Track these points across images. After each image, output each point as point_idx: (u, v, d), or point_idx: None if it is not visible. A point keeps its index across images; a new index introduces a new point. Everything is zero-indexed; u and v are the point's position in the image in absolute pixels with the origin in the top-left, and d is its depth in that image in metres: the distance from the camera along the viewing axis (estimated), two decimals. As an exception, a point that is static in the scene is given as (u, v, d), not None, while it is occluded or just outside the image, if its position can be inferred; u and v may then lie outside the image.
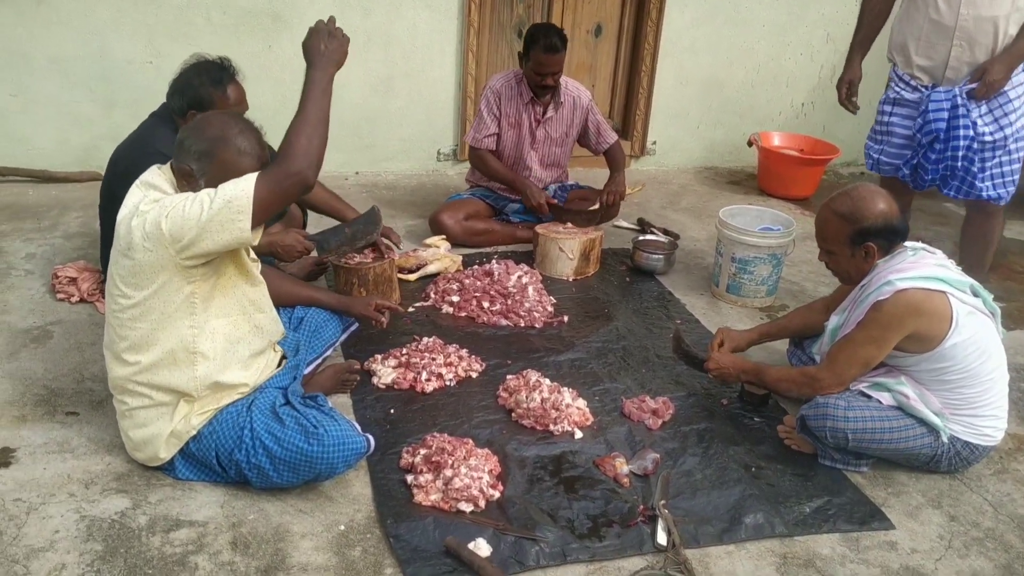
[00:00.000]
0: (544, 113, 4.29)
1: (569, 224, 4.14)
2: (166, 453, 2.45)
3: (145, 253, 2.24)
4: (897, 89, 3.76)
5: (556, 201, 4.30)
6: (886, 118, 3.82)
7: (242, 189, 2.21)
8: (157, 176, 2.37)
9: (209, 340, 2.40)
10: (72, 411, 2.78)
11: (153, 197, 2.28)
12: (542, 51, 4.02)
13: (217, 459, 2.43)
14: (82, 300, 3.45)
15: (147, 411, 2.43)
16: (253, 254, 2.57)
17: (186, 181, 2.33)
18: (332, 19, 2.50)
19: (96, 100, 4.73)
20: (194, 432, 2.44)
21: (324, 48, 2.45)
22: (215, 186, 2.25)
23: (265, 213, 2.25)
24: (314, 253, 3.47)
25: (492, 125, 4.28)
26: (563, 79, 4.27)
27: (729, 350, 3.09)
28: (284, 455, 2.36)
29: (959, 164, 3.61)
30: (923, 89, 3.65)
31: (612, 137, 4.44)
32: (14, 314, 3.35)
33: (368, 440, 2.47)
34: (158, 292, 2.30)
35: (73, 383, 2.93)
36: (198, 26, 4.64)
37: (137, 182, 2.38)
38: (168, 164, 2.40)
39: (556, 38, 4.02)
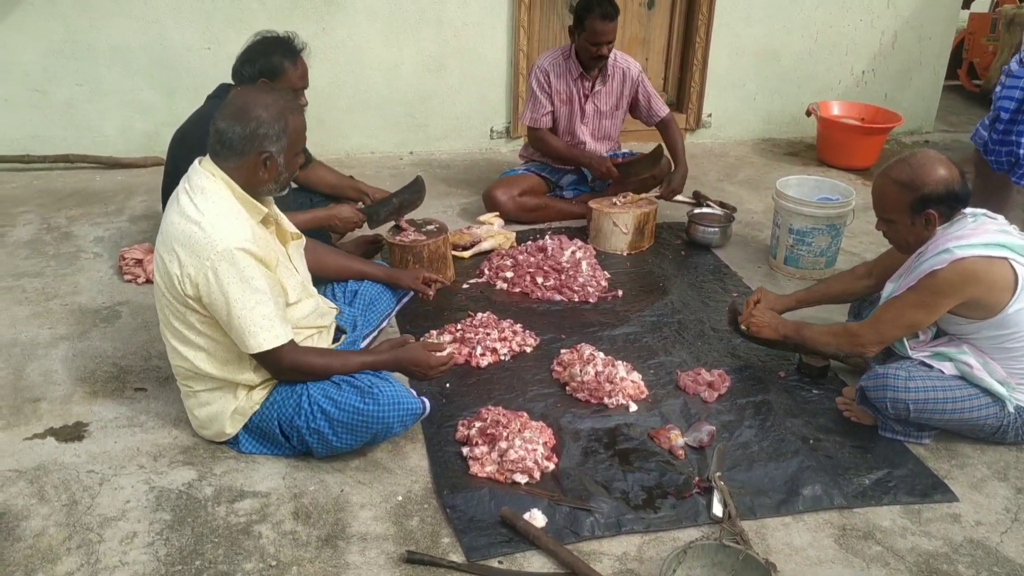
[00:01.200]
0: (592, 87, 4.26)
1: (627, 195, 4.11)
2: (232, 429, 2.53)
3: (189, 295, 2.35)
4: (1016, 57, 3.52)
5: (620, 160, 4.30)
6: (997, 88, 3.56)
7: (275, 338, 2.36)
8: (205, 178, 2.36)
9: None
10: (140, 387, 2.88)
11: (197, 240, 2.28)
12: (599, 18, 3.98)
13: (280, 428, 2.50)
14: (148, 281, 3.55)
15: (210, 393, 2.51)
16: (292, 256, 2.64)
17: (265, 166, 2.36)
18: (447, 365, 2.68)
19: (157, 87, 4.84)
20: (257, 407, 2.51)
21: (412, 366, 2.63)
22: (290, 158, 2.40)
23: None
24: (366, 226, 3.59)
25: (547, 103, 4.27)
26: (614, 51, 4.23)
27: (765, 308, 3.04)
28: (341, 416, 2.42)
29: (1023, 151, 3.40)
30: None
31: (664, 110, 4.40)
32: (84, 295, 3.47)
33: (423, 403, 2.52)
34: (196, 307, 2.37)
35: (141, 360, 3.03)
36: (253, 11, 4.72)
37: (185, 184, 2.39)
38: (206, 159, 2.39)
39: (610, 5, 3.99)
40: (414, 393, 2.54)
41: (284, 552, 2.22)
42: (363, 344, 2.91)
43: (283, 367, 2.43)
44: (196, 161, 2.42)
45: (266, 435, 2.54)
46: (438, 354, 2.66)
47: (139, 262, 3.59)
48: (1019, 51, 3.48)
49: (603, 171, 4.22)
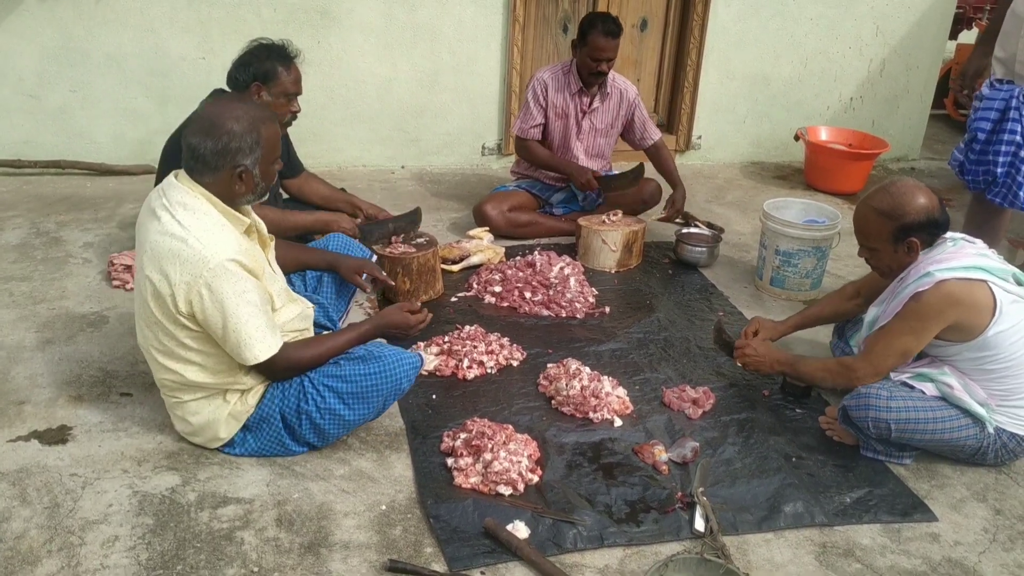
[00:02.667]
0: (591, 104, 4.30)
1: (617, 214, 4.14)
2: (226, 433, 2.53)
3: (182, 312, 2.33)
4: (987, 82, 3.59)
5: (601, 173, 4.34)
6: (972, 112, 3.63)
7: (268, 348, 2.39)
8: (185, 193, 2.33)
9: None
10: (126, 392, 2.88)
11: (187, 255, 2.26)
12: (601, 35, 4.04)
13: (284, 422, 2.51)
14: (136, 287, 3.56)
15: (199, 402, 2.51)
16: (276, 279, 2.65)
17: (240, 179, 2.35)
18: (424, 320, 2.84)
19: (151, 96, 4.86)
20: (252, 411, 2.52)
21: (392, 328, 2.74)
22: (266, 167, 2.38)
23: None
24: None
25: (538, 116, 4.31)
26: (610, 73, 4.28)
27: (762, 340, 3.07)
28: (350, 388, 2.48)
29: (999, 170, 3.45)
30: (996, 84, 3.49)
31: (656, 135, 4.45)
32: (72, 300, 3.47)
33: (420, 355, 2.67)
34: (188, 324, 2.36)
35: (127, 366, 3.03)
36: (249, 22, 4.75)
37: (162, 200, 2.34)
38: (182, 173, 2.36)
39: (613, 24, 4.06)
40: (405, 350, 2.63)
41: (266, 559, 2.21)
42: (340, 325, 2.98)
43: (278, 370, 2.47)
44: (172, 175, 2.38)
45: (265, 432, 2.54)
46: (415, 314, 2.80)
47: (128, 268, 3.59)
48: (989, 77, 3.55)
49: (583, 181, 4.25)
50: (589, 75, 4.18)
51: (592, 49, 4.08)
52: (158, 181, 3.36)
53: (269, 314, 2.43)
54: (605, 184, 4.30)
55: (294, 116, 3.36)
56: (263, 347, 2.37)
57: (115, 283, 3.58)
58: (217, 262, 2.26)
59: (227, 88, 3.32)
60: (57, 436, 2.63)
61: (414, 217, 3.86)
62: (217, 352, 2.41)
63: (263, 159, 2.37)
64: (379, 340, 2.72)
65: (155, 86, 4.84)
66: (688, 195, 4.50)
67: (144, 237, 2.35)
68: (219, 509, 2.37)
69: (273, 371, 2.46)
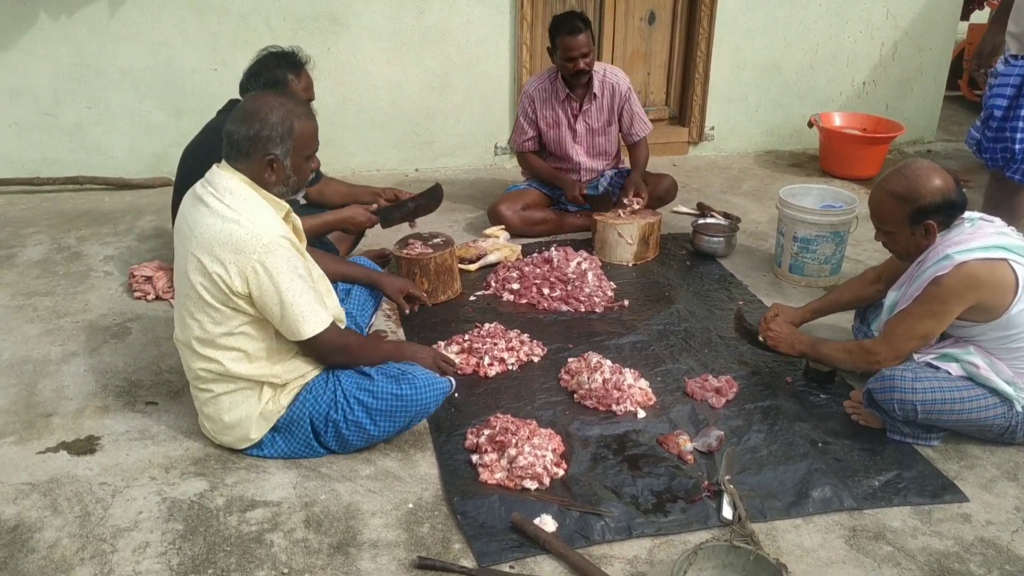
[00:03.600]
0: (581, 107, 4.30)
1: (635, 204, 4.12)
2: (257, 434, 2.55)
3: (238, 292, 2.38)
4: (1001, 58, 3.56)
5: (587, 192, 4.36)
6: (987, 89, 3.61)
7: (320, 322, 2.45)
8: (227, 179, 2.40)
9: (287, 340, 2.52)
10: (151, 401, 2.90)
11: (239, 242, 2.32)
12: (566, 35, 4.05)
13: (312, 426, 2.55)
14: (157, 298, 3.59)
15: (232, 396, 2.53)
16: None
17: (271, 168, 2.41)
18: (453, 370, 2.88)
19: (165, 108, 4.90)
20: (283, 412, 2.54)
21: (421, 360, 2.74)
22: (299, 162, 2.43)
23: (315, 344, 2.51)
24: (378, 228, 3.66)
25: (530, 130, 4.35)
26: (601, 66, 4.28)
27: (784, 322, 3.06)
28: (379, 405, 2.52)
29: (1017, 147, 3.42)
30: (1011, 60, 3.46)
31: (644, 130, 4.41)
32: (95, 312, 3.51)
33: (451, 381, 2.69)
34: (240, 307, 2.42)
35: (152, 375, 3.06)
36: (259, 32, 4.78)
37: (207, 188, 2.41)
38: (223, 163, 2.43)
39: (577, 20, 4.06)
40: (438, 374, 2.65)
41: (296, 560, 2.23)
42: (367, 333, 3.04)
43: (328, 350, 2.52)
44: (214, 166, 2.45)
45: (294, 435, 2.57)
46: (446, 368, 2.82)
47: (149, 279, 3.63)
48: (1003, 53, 3.52)
49: (572, 196, 4.31)
50: (571, 77, 4.18)
51: (563, 51, 4.09)
52: (176, 191, 3.43)
53: (318, 290, 2.50)
54: (595, 203, 4.34)
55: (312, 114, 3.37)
56: (316, 320, 2.43)
57: (136, 294, 3.61)
58: (269, 239, 2.34)
59: (240, 98, 3.34)
60: (85, 446, 2.66)
61: (434, 194, 3.76)
62: (261, 337, 2.46)
63: (294, 151, 2.42)
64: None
65: (169, 99, 4.89)
66: (703, 186, 4.50)
67: (192, 225, 2.40)
68: (247, 512, 2.39)
69: (323, 349, 2.51)
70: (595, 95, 4.28)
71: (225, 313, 2.40)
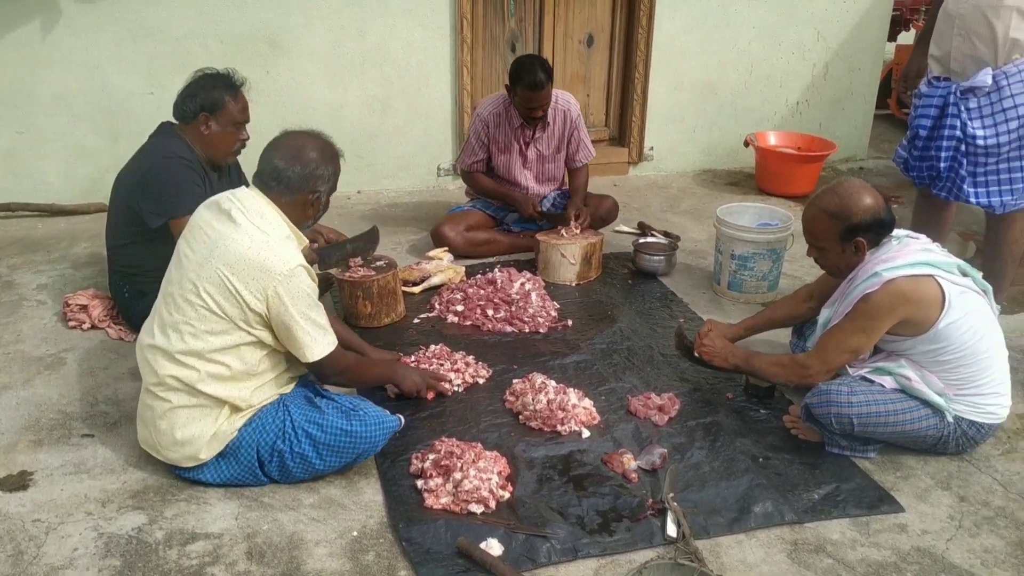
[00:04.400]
0: (533, 134, 4.33)
1: (572, 228, 4.17)
2: (207, 454, 2.51)
3: (254, 310, 2.45)
4: (924, 80, 3.66)
5: (542, 210, 4.40)
6: (913, 109, 3.70)
7: (329, 344, 2.57)
8: (263, 204, 2.52)
9: (271, 362, 2.57)
10: (87, 433, 2.83)
11: (280, 272, 2.43)
12: (527, 88, 4.04)
13: (258, 454, 2.52)
14: (93, 327, 3.51)
15: (190, 411, 2.49)
16: None
17: (312, 206, 2.61)
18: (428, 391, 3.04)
19: (100, 133, 4.81)
20: (235, 434, 2.52)
21: (407, 379, 2.94)
22: (329, 198, 2.67)
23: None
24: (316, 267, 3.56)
25: (480, 152, 4.35)
26: (554, 92, 4.30)
27: (719, 336, 3.11)
28: (327, 439, 2.52)
29: (942, 165, 3.52)
30: (933, 82, 3.56)
31: (587, 158, 4.46)
32: (27, 343, 3.41)
33: (399, 419, 2.69)
34: (251, 323, 2.47)
35: (87, 407, 2.98)
36: (196, 55, 4.72)
37: (237, 204, 2.49)
38: (255, 188, 2.55)
39: (541, 74, 4.01)
40: (388, 412, 2.66)
41: (238, 593, 2.19)
42: None
43: (336, 369, 2.63)
44: (242, 189, 2.59)
45: (239, 461, 2.53)
46: (429, 393, 3.04)
47: (84, 308, 3.54)
48: (926, 75, 3.64)
49: (527, 213, 4.32)
50: (525, 118, 4.21)
51: (523, 101, 4.10)
52: (110, 215, 3.36)
53: (326, 316, 2.61)
54: (550, 218, 4.37)
55: (243, 144, 3.35)
56: (326, 343, 2.55)
57: (71, 324, 3.53)
58: (293, 265, 2.45)
59: (174, 120, 3.30)
60: (17, 482, 2.58)
61: (371, 236, 3.81)
62: (251, 359, 2.50)
63: (331, 189, 2.65)
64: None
65: (104, 123, 4.80)
66: (643, 205, 4.56)
67: (215, 238, 2.47)
68: (188, 546, 2.34)
69: (328, 370, 2.62)
70: (550, 120, 4.31)
71: (231, 328, 2.45)
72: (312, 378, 2.78)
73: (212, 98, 3.20)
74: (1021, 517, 2.55)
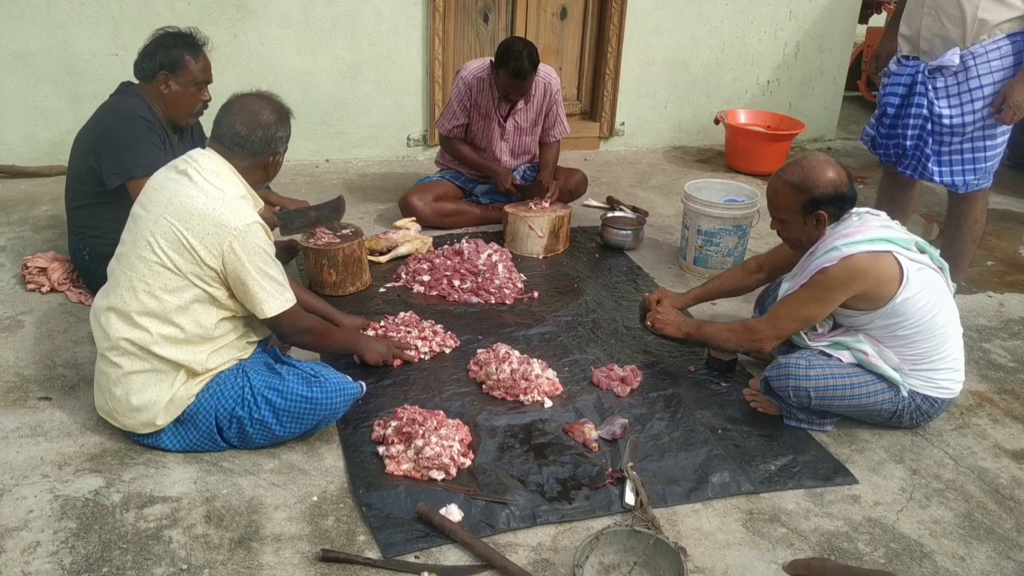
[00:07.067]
0: (514, 106, 4.30)
1: (540, 201, 4.17)
2: (163, 420, 2.49)
3: (209, 265, 2.43)
4: (894, 59, 3.68)
5: (520, 183, 4.37)
6: (881, 88, 3.73)
7: (286, 301, 2.55)
8: (218, 164, 2.50)
9: (227, 326, 2.54)
10: (44, 396, 2.80)
11: (236, 223, 2.41)
12: (510, 75, 4.00)
13: (216, 421, 2.50)
14: (52, 290, 3.45)
15: (144, 376, 2.46)
16: None
17: (271, 167, 2.63)
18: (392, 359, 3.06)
19: (62, 94, 4.71)
20: (192, 400, 2.50)
21: (371, 350, 2.97)
22: (282, 159, 2.67)
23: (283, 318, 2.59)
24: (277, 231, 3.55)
25: (461, 116, 4.28)
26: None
27: (669, 307, 3.14)
28: (287, 405, 2.51)
29: (908, 143, 3.56)
30: (903, 61, 3.59)
31: (561, 134, 4.43)
32: (-16, 305, 3.36)
33: (361, 385, 2.71)
34: (205, 280, 2.44)
35: (45, 370, 2.95)
36: (162, 16, 4.62)
37: (192, 164, 2.48)
38: (212, 149, 2.53)
39: (526, 62, 3.97)
40: (350, 378, 2.65)
41: (196, 555, 2.18)
42: None
43: (296, 328, 2.61)
44: (200, 150, 2.55)
45: (197, 427, 2.52)
46: (396, 361, 3.06)
47: (43, 271, 3.49)
48: (896, 54, 3.67)
49: (505, 187, 4.30)
50: (504, 97, 4.18)
51: (504, 84, 4.07)
52: (69, 176, 3.30)
53: (284, 273, 2.59)
54: (526, 193, 4.34)
55: (205, 105, 3.29)
56: (283, 299, 2.52)
57: (30, 286, 3.47)
58: (248, 220, 2.44)
59: (135, 80, 3.24)
60: (-28, 444, 2.55)
61: (336, 205, 3.75)
62: (206, 319, 2.48)
63: (286, 150, 2.67)
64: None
65: (66, 84, 4.70)
66: (613, 180, 4.56)
67: (170, 195, 2.45)
68: (145, 509, 2.33)
69: (288, 328, 2.60)
70: (531, 95, 4.26)
71: (185, 283, 2.43)
72: (274, 342, 2.76)
73: (172, 57, 3.15)
74: (970, 490, 2.61)
